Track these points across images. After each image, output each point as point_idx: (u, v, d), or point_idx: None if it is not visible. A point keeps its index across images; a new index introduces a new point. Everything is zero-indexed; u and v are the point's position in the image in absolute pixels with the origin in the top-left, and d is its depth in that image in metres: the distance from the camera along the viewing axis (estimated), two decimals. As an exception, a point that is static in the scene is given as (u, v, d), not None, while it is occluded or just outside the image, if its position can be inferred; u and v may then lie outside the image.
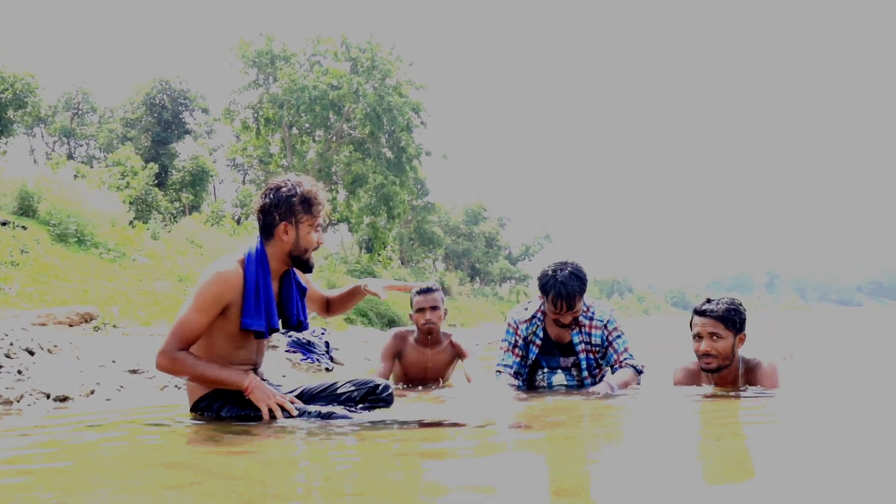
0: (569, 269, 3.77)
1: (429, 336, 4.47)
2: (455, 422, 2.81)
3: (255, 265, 2.88)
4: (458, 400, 3.85)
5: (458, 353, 4.54)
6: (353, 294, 3.29)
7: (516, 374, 4.02)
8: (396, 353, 4.54)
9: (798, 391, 3.80)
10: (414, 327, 4.54)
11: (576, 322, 3.93)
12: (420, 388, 4.41)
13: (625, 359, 3.93)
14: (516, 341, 4.05)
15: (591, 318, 3.96)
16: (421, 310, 4.43)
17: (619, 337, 3.98)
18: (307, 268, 2.95)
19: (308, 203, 2.89)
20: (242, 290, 2.84)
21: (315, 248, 2.94)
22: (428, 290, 4.45)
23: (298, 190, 2.89)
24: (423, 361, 4.52)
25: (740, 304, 3.63)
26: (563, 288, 3.72)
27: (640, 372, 3.92)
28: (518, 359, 4.04)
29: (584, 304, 3.94)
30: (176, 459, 2.25)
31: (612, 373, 3.96)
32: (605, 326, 3.95)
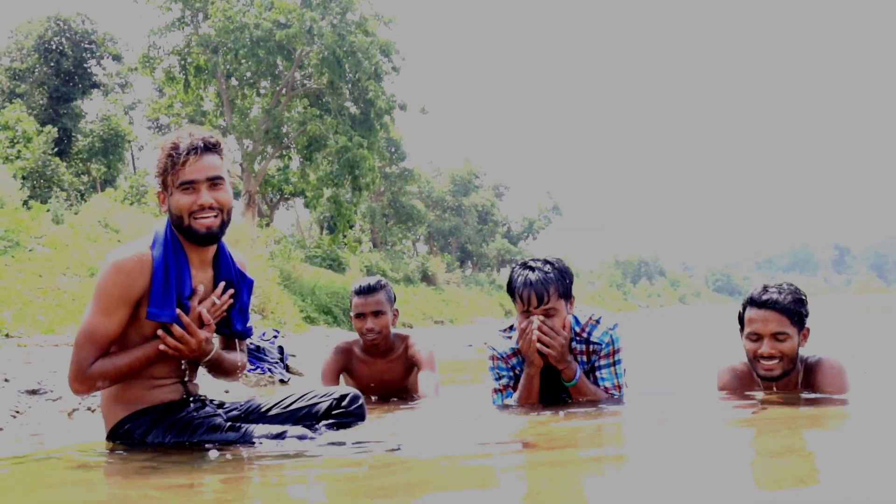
0: (542, 260, 3.72)
1: (375, 347, 4.39)
2: (440, 443, 2.81)
3: (164, 244, 2.87)
4: (439, 414, 3.86)
5: (414, 362, 4.42)
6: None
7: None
8: (341, 370, 4.51)
9: (872, 395, 3.83)
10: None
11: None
12: (379, 399, 4.45)
13: (607, 392, 3.77)
14: (512, 377, 3.90)
15: (588, 342, 3.77)
16: (360, 315, 4.28)
17: (610, 365, 3.79)
18: (195, 237, 2.87)
19: (167, 157, 2.85)
20: (151, 278, 2.83)
21: (197, 211, 2.83)
22: (369, 290, 4.26)
23: (162, 145, 2.89)
24: (377, 373, 4.45)
25: (804, 295, 3.63)
26: (532, 273, 3.62)
27: (614, 401, 3.73)
28: (513, 391, 3.92)
29: (578, 322, 3.78)
30: (94, 500, 2.24)
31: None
32: (599, 351, 3.77)
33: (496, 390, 3.92)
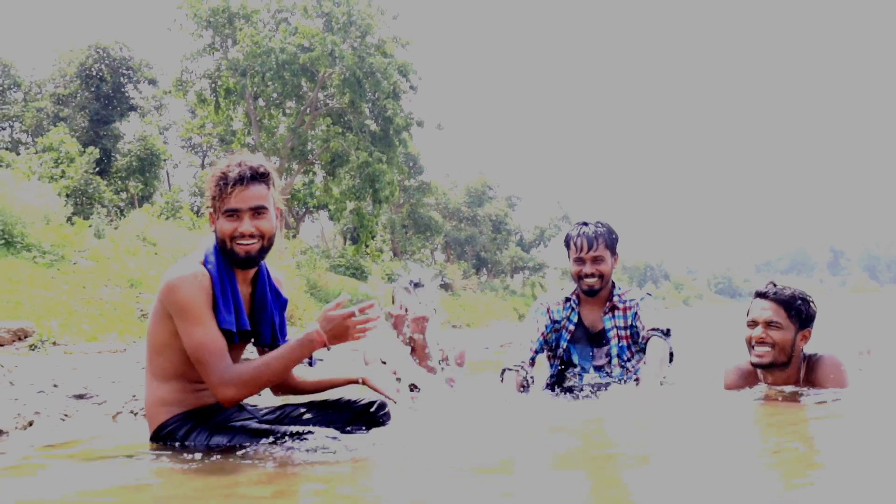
0: (594, 221, 4.25)
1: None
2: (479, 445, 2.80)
3: (216, 261, 2.91)
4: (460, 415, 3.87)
5: (443, 358, 4.55)
6: (335, 385, 3.22)
7: (535, 354, 4.23)
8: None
9: (870, 391, 3.79)
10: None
11: (610, 303, 4.21)
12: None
13: (651, 329, 4.02)
14: (546, 323, 4.29)
15: (625, 302, 4.22)
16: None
17: (653, 310, 4.16)
18: (235, 260, 2.91)
19: (215, 185, 2.89)
20: (212, 290, 2.85)
21: (238, 238, 2.87)
22: (417, 286, 4.53)
23: (213, 171, 2.92)
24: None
25: (812, 300, 3.64)
26: (586, 227, 4.16)
27: (666, 334, 3.99)
28: (542, 338, 4.27)
29: (619, 288, 4.25)
30: (138, 500, 2.25)
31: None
32: (639, 304, 4.19)
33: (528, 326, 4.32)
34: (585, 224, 4.20)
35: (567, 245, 4.22)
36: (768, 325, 3.56)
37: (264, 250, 2.95)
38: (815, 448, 2.67)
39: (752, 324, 3.62)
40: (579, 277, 4.16)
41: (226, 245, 2.90)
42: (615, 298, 4.22)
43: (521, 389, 4.02)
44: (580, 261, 4.13)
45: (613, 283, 4.25)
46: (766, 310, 3.58)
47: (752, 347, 3.63)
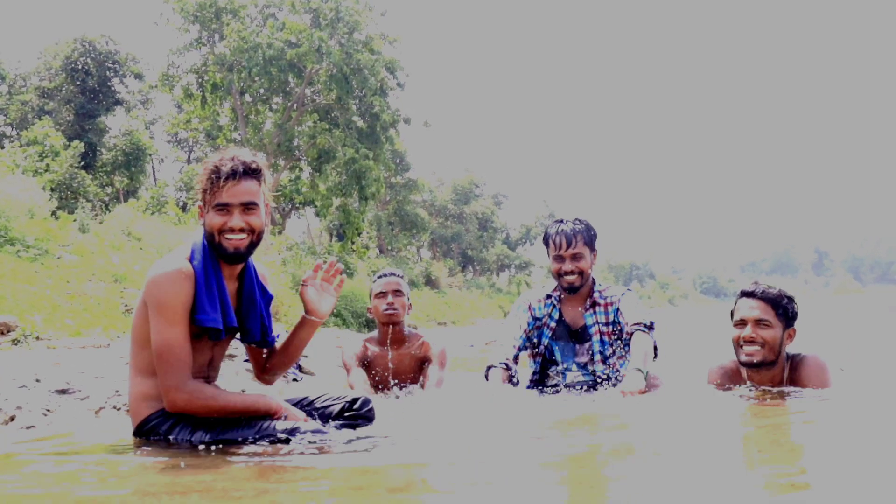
0: (572, 218, 4.28)
1: (390, 327, 4.49)
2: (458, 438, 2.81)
3: (203, 257, 2.91)
4: (447, 406, 3.87)
5: (426, 358, 4.55)
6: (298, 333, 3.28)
7: (519, 351, 4.25)
8: (363, 359, 4.57)
9: (853, 392, 3.82)
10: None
11: (591, 299, 4.23)
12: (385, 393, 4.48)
13: (634, 323, 4.04)
14: (527, 320, 4.29)
15: (605, 298, 4.25)
16: (381, 294, 4.50)
17: (631, 303, 4.20)
18: (223, 255, 2.92)
19: (207, 178, 2.90)
20: (195, 287, 2.84)
21: (227, 232, 2.87)
22: (391, 274, 4.58)
23: (205, 165, 2.93)
24: (389, 366, 4.52)
25: (794, 298, 3.67)
26: (564, 225, 4.18)
27: (649, 328, 4.02)
28: (525, 335, 4.27)
29: (600, 284, 4.29)
30: (120, 496, 2.23)
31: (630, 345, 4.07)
32: (620, 300, 4.21)
33: (510, 324, 4.32)
34: (563, 222, 4.23)
35: (546, 243, 4.25)
36: (757, 323, 3.57)
37: (253, 246, 2.96)
38: (801, 448, 2.68)
39: (741, 323, 3.62)
40: (559, 275, 4.19)
41: (214, 239, 2.90)
42: (595, 295, 4.25)
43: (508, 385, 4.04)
44: (559, 258, 4.16)
45: (594, 279, 4.28)
46: (755, 308, 3.59)
47: (741, 347, 3.63)
